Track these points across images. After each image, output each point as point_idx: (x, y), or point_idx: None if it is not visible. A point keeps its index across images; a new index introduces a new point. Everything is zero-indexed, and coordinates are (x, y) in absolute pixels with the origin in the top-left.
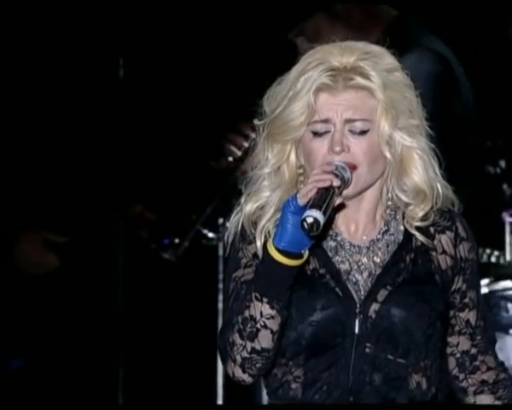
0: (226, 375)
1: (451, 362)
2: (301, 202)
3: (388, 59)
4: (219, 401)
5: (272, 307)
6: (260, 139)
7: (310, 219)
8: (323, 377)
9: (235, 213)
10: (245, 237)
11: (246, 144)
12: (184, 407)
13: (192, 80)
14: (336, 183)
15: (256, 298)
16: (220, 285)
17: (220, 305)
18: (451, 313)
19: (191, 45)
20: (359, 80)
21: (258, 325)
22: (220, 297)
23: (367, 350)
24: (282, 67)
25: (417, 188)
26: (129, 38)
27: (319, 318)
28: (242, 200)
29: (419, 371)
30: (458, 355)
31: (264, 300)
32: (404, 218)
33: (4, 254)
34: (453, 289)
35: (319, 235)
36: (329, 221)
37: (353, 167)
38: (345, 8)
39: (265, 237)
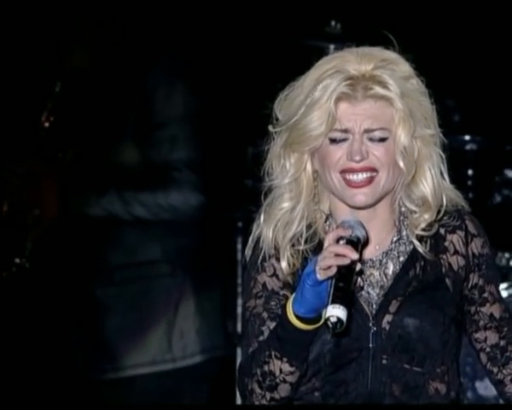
0: None
1: (483, 358)
2: (320, 277)
3: (404, 66)
4: None
5: (291, 365)
6: (275, 146)
7: (333, 319)
8: (342, 390)
9: (255, 226)
10: (257, 263)
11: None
12: (183, 407)
13: None
14: (355, 256)
15: (276, 356)
16: None
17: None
18: (473, 309)
19: None
20: (378, 90)
21: (277, 380)
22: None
23: (384, 362)
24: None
25: (424, 198)
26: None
27: (331, 336)
28: (262, 214)
29: (436, 377)
30: (488, 350)
31: (284, 359)
32: None
33: None
34: (470, 286)
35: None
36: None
37: (374, 171)
38: None
39: (287, 257)
